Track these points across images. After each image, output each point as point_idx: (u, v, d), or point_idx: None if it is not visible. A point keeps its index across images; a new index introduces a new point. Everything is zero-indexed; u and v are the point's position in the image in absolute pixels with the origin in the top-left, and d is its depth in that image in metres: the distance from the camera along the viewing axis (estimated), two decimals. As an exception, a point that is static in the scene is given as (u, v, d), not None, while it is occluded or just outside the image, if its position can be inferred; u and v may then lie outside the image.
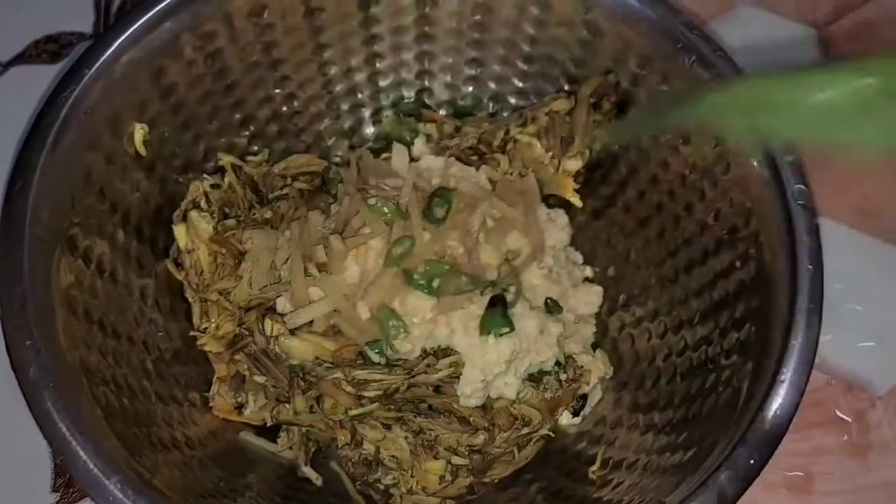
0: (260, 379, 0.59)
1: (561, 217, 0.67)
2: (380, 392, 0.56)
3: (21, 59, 0.85)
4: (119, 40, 0.60)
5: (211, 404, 0.63)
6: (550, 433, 0.64)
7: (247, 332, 0.59)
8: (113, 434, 0.49)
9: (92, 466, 0.46)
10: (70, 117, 0.57)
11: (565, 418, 0.65)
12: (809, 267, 0.54)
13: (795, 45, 0.92)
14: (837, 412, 0.72)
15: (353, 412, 0.57)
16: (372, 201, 0.58)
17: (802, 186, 0.56)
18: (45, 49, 0.86)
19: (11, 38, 0.86)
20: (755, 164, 0.58)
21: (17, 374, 0.48)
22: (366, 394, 0.56)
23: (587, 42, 0.67)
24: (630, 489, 0.56)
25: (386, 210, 0.58)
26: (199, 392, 0.63)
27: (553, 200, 0.70)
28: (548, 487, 0.62)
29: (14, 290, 0.50)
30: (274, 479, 0.61)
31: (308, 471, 0.61)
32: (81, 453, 0.46)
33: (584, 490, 0.60)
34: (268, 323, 0.57)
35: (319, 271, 0.58)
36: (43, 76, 0.83)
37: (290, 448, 0.62)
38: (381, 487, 0.61)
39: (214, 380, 0.64)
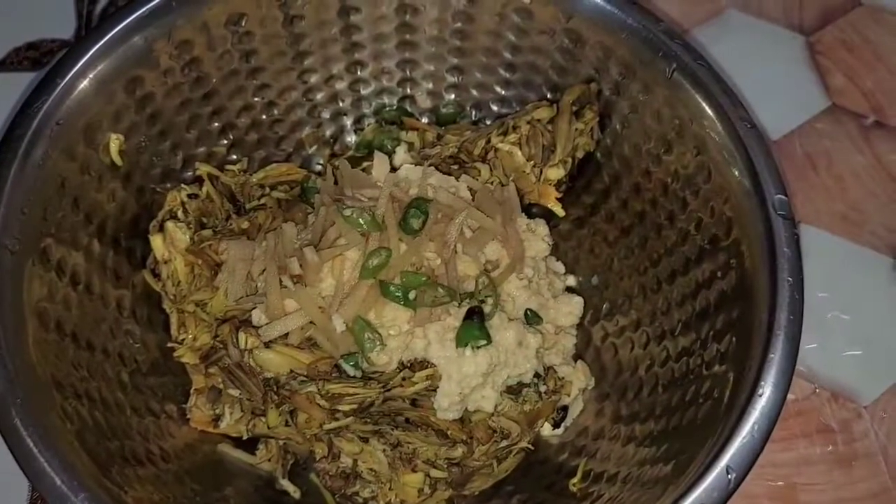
0: (234, 392, 0.58)
1: (541, 227, 0.67)
2: (354, 406, 0.55)
3: (2, 66, 0.84)
4: (92, 50, 0.59)
5: (188, 416, 0.62)
6: (530, 445, 0.63)
7: (221, 345, 0.58)
8: (83, 450, 0.49)
9: (59, 483, 0.45)
10: (42, 128, 0.56)
11: (547, 430, 0.65)
12: (789, 279, 0.53)
13: (782, 50, 0.91)
14: (823, 422, 0.71)
15: (328, 426, 0.56)
16: (348, 212, 0.58)
17: (783, 197, 0.56)
18: (27, 56, 0.85)
19: (-8, 46, 0.85)
20: (736, 173, 0.57)
21: (-17, 390, 0.47)
22: (340, 407, 0.55)
23: (569, 50, 0.67)
24: (609, 502, 0.56)
25: (362, 221, 0.57)
26: (176, 404, 0.63)
27: (535, 210, 0.70)
28: (529, 500, 0.61)
29: (-18, 304, 0.49)
30: (252, 492, 0.60)
31: (286, 483, 0.61)
32: (48, 469, 0.45)
33: (564, 502, 0.59)
34: (241, 336, 0.57)
35: (294, 283, 0.57)
36: (24, 83, 0.83)
37: (269, 460, 0.61)
38: (360, 500, 0.61)
39: (192, 391, 0.63)
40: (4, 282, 0.51)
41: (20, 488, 0.65)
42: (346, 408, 0.55)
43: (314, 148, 0.76)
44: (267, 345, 0.56)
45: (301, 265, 0.57)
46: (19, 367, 0.49)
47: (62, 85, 0.58)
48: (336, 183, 0.64)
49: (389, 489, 0.59)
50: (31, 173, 0.55)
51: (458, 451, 0.59)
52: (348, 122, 0.77)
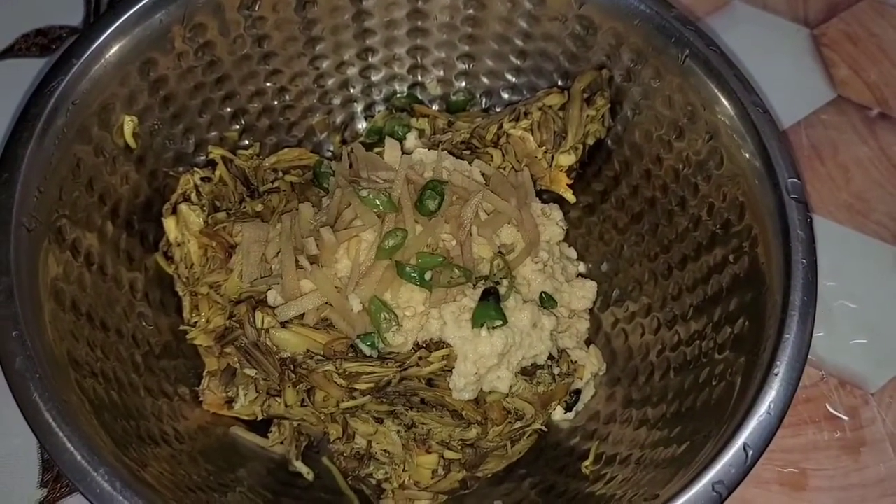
0: (250, 372, 0.58)
1: (556, 212, 0.67)
2: (371, 385, 0.55)
3: (10, 52, 0.84)
4: (108, 31, 0.59)
5: (201, 399, 0.62)
6: (543, 428, 0.64)
7: (237, 325, 0.58)
8: (101, 427, 0.49)
9: (79, 458, 0.45)
10: (58, 108, 0.56)
11: (558, 413, 0.65)
12: (803, 261, 0.54)
13: (788, 42, 0.92)
14: (831, 409, 0.72)
15: (345, 405, 0.56)
16: (364, 193, 0.58)
17: (796, 180, 0.56)
18: (35, 42, 0.85)
19: (0, 32, 0.85)
20: (748, 157, 0.58)
21: (3, 365, 0.47)
22: (357, 386, 0.55)
23: (580, 37, 0.67)
24: (623, 484, 0.56)
25: (378, 202, 0.57)
26: (188, 386, 0.63)
27: (546, 196, 0.70)
28: (541, 482, 0.61)
29: (0, 281, 0.49)
30: (265, 474, 0.60)
31: (299, 465, 0.61)
32: (68, 444, 0.45)
33: (577, 485, 0.59)
34: (258, 315, 0.57)
35: (311, 264, 0.57)
36: (32, 70, 0.83)
37: (282, 443, 0.61)
38: (373, 482, 0.61)
39: (205, 374, 0.63)
40: (22, 259, 0.51)
41: (31, 471, 0.64)
42: (363, 386, 0.55)
43: (325, 134, 0.76)
44: (283, 325, 0.56)
45: (318, 245, 0.57)
46: (37, 344, 0.49)
47: (78, 65, 0.58)
48: (351, 166, 0.64)
49: (403, 470, 0.59)
50: (46, 153, 0.55)
51: (473, 432, 0.59)
52: (359, 108, 0.77)
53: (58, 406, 0.46)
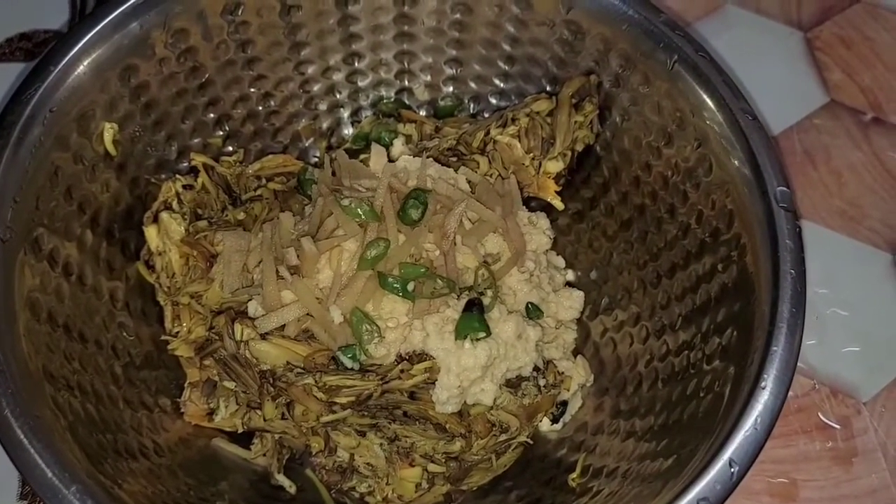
0: (230, 384, 0.58)
1: (542, 220, 0.66)
2: (352, 398, 0.54)
3: (-6, 57, 0.83)
4: (86, 37, 0.58)
5: (182, 410, 0.61)
6: (529, 440, 0.63)
7: (216, 337, 0.57)
8: (75, 442, 0.48)
9: (50, 475, 0.44)
10: (35, 115, 0.56)
11: (545, 425, 0.64)
12: (792, 272, 0.53)
13: (781, 45, 0.91)
14: (823, 418, 0.71)
15: (325, 419, 0.55)
16: (346, 202, 0.57)
17: (785, 189, 0.55)
18: (20, 47, 0.84)
19: (-16, 36, 0.84)
20: (738, 165, 0.57)
21: (-26, 381, 0.46)
22: (338, 400, 0.54)
23: (568, 42, 0.66)
24: (609, 497, 0.55)
25: (360, 211, 0.57)
26: (170, 398, 0.62)
27: (534, 203, 0.69)
28: (527, 495, 0.61)
29: (-28, 293, 0.49)
30: (247, 487, 0.59)
31: (281, 478, 0.60)
32: (39, 461, 0.44)
33: (563, 498, 0.59)
34: (237, 327, 0.56)
35: (291, 274, 0.56)
36: (16, 74, 0.82)
37: (264, 455, 0.60)
38: (357, 496, 0.60)
39: (186, 385, 0.62)
40: (-3, 269, 0.50)
41: (10, 483, 0.64)
42: (343, 400, 0.54)
43: (311, 140, 0.76)
44: (263, 336, 0.55)
45: (298, 256, 0.56)
46: (10, 358, 0.48)
47: (56, 72, 0.57)
48: (333, 174, 0.63)
49: (387, 484, 0.58)
50: (23, 161, 0.54)
51: (457, 445, 0.58)
52: (345, 114, 0.76)
53: (29, 422, 0.46)
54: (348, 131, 0.77)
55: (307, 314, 0.56)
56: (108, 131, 0.61)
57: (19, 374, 0.48)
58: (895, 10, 0.94)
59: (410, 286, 0.56)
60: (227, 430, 0.62)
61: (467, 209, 0.59)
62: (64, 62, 0.57)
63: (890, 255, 0.79)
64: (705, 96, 0.59)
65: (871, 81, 0.89)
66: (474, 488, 0.61)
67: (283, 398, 0.56)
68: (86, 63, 0.58)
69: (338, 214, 0.57)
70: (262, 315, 0.56)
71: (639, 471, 0.55)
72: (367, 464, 0.58)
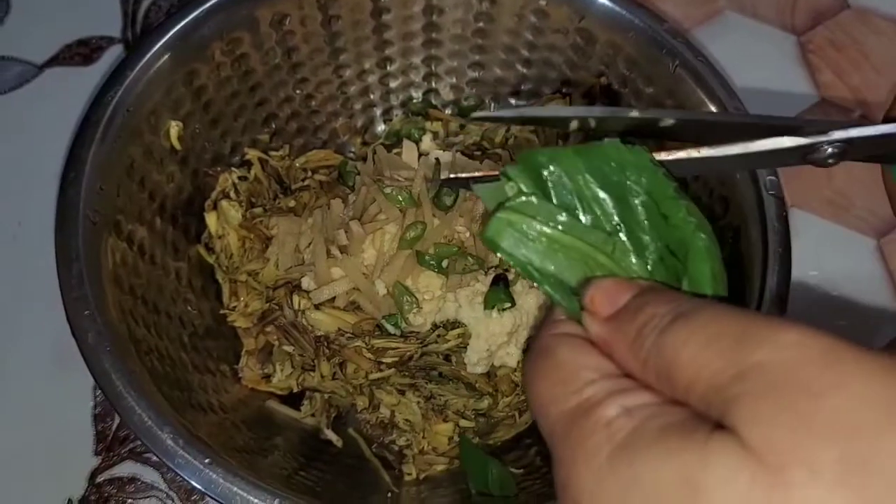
0: (288, 348, 0.65)
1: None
2: (396, 358, 0.62)
3: (55, 61, 0.91)
4: (157, 46, 0.66)
5: (240, 375, 0.69)
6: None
7: (276, 307, 0.65)
8: (161, 394, 0.55)
9: (147, 419, 0.52)
10: (114, 115, 0.63)
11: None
12: (779, 249, 0.60)
13: (776, 48, 0.98)
14: (811, 387, 0.78)
15: (373, 376, 0.63)
16: (387, 190, 0.65)
17: (773, 178, 0.63)
18: (77, 52, 0.92)
19: (45, 43, 0.92)
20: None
21: (77, 340, 0.54)
22: (384, 360, 0.62)
23: (580, 47, 0.74)
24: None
25: (400, 198, 0.64)
26: (229, 364, 0.69)
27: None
28: (545, 451, 0.68)
29: (72, 267, 0.56)
30: (298, 442, 0.67)
31: (330, 434, 0.67)
32: (137, 408, 0.52)
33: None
34: (296, 298, 0.64)
35: (340, 253, 0.64)
36: (75, 77, 0.90)
37: (313, 415, 0.68)
38: (396, 449, 0.68)
39: (243, 353, 0.70)
40: (88, 250, 0.58)
41: (85, 443, 0.71)
42: (389, 360, 0.62)
43: (347, 137, 0.83)
44: (317, 307, 0.63)
45: (347, 237, 0.64)
46: (105, 322, 0.56)
47: (131, 77, 0.64)
48: (374, 166, 0.71)
49: (423, 437, 0.66)
50: (105, 155, 0.62)
51: (485, 403, 0.66)
52: (378, 112, 0.84)
53: (125, 375, 0.53)
54: (380, 128, 0.84)
55: (354, 288, 0.64)
56: (174, 128, 0.68)
57: (112, 336, 0.55)
58: (883, 16, 1.01)
59: (444, 263, 0.64)
60: (280, 392, 0.69)
61: (493, 196, 0.67)
62: (138, 68, 0.65)
63: (874, 240, 0.86)
64: (703, 96, 0.67)
65: (860, 81, 0.96)
66: (499, 443, 0.69)
67: (336, 358, 0.64)
68: (156, 68, 0.66)
69: (380, 201, 0.65)
70: (315, 289, 0.64)
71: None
72: (406, 420, 0.66)
